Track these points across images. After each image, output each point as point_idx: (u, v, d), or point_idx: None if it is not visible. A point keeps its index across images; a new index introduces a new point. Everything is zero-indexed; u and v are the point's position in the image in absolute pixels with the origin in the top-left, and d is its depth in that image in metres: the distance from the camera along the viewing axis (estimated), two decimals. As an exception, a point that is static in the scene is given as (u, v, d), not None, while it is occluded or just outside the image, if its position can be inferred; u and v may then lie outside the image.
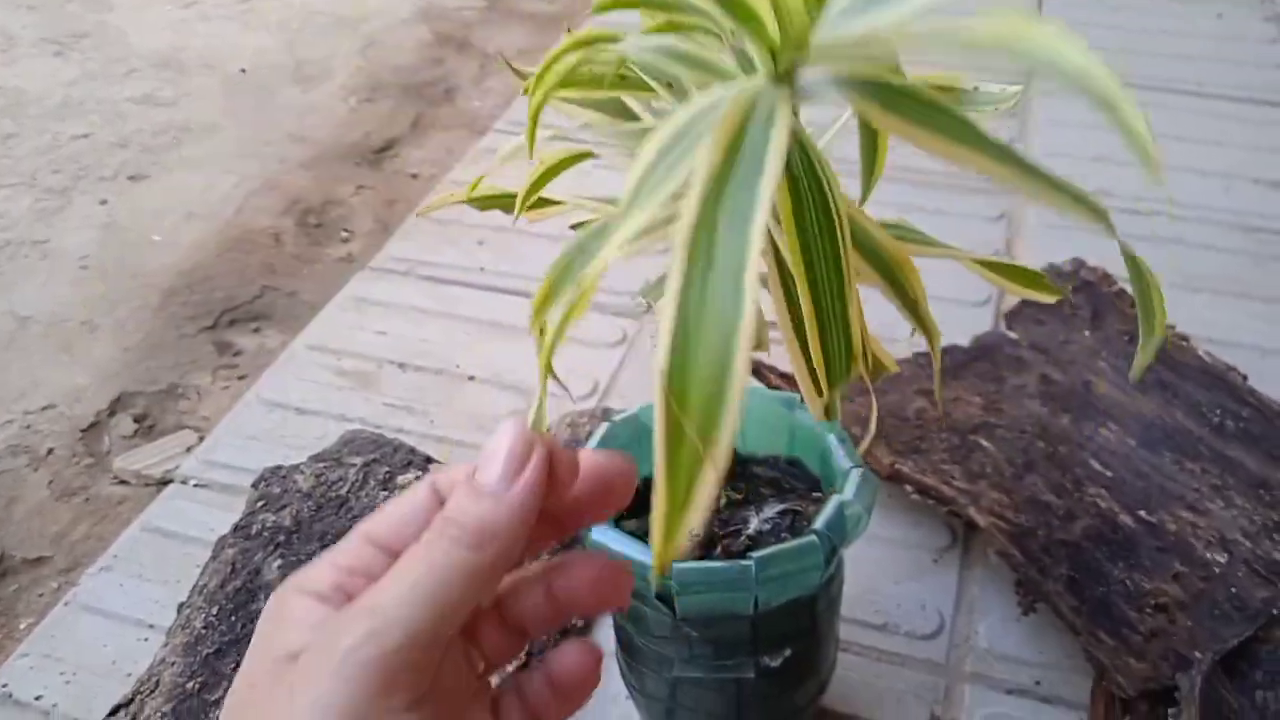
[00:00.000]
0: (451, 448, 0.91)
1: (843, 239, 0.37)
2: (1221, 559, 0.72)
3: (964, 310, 1.00)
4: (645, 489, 0.66)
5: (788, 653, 0.60)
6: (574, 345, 1.02)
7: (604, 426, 0.63)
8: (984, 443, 0.82)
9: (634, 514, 0.63)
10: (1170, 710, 0.62)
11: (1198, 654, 0.65)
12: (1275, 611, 0.68)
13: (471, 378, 0.99)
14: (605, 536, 0.56)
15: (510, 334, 1.04)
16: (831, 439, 0.61)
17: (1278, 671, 0.66)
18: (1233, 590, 0.70)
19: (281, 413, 0.97)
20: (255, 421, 0.97)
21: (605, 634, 0.75)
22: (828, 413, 0.63)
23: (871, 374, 0.53)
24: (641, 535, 0.63)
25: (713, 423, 0.26)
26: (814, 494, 0.64)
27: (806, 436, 0.63)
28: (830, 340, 0.34)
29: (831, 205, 0.37)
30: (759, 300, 0.27)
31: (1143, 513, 0.75)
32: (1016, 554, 0.72)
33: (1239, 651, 0.66)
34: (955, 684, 0.72)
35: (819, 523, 0.56)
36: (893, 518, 0.82)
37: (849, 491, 0.57)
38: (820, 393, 0.42)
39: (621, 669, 0.67)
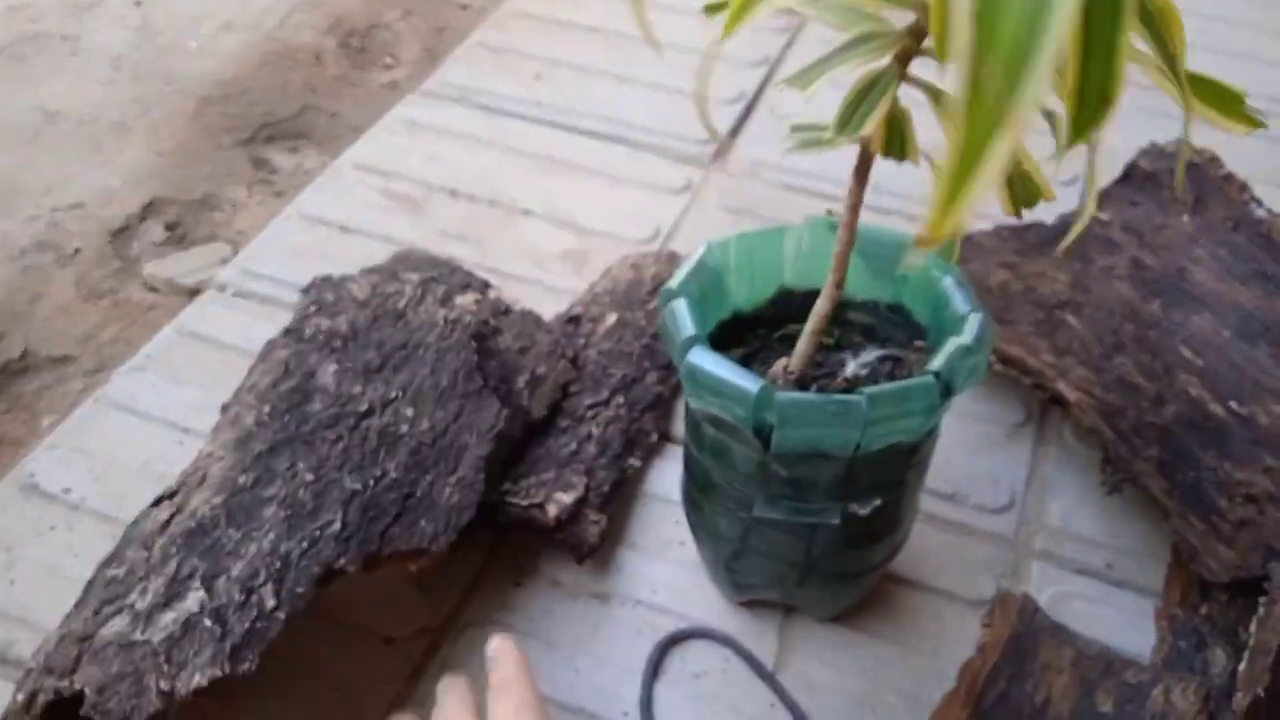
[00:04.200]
0: (506, 280, 0.87)
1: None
2: (1314, 457, 0.68)
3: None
4: (733, 324, 0.62)
5: (877, 502, 0.56)
6: (636, 189, 0.97)
7: (702, 249, 0.59)
8: (1071, 319, 0.78)
9: (726, 349, 0.60)
10: (1261, 599, 0.59)
11: (1287, 548, 0.62)
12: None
13: (527, 211, 0.94)
14: (704, 359, 0.52)
15: (569, 171, 0.98)
16: (949, 281, 0.57)
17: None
18: (1324, 489, 0.67)
19: (325, 230, 0.92)
20: (296, 236, 0.92)
21: (673, 469, 0.72)
22: (949, 250, 0.59)
23: (1023, 201, 0.48)
24: (744, 361, 0.59)
25: (1016, 75, 0.21)
26: (915, 343, 0.60)
27: (919, 280, 0.59)
28: (1091, 70, 0.29)
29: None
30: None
31: (1234, 404, 0.72)
32: (1107, 430, 0.68)
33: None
34: (1024, 560, 0.69)
35: (936, 363, 0.52)
36: (962, 393, 0.79)
37: (968, 335, 0.53)
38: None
39: (688, 507, 0.64)
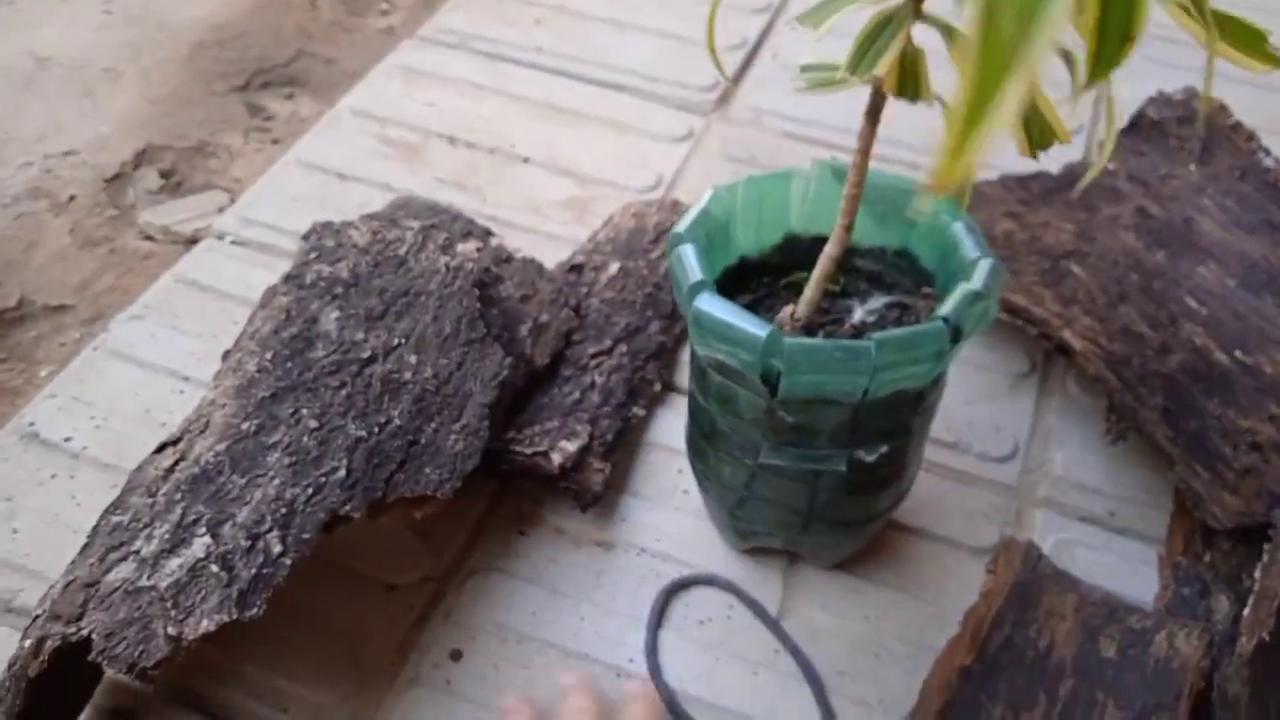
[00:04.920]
0: (505, 228, 0.86)
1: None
2: (1318, 407, 0.68)
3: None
4: (740, 271, 0.61)
5: (884, 449, 0.56)
6: (637, 136, 0.95)
7: (709, 194, 0.58)
8: (1075, 269, 0.77)
9: (732, 295, 0.59)
10: (1265, 545, 0.59)
11: (1290, 496, 0.63)
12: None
13: (526, 159, 0.93)
14: (712, 305, 0.51)
15: (569, 119, 0.97)
16: (958, 226, 0.56)
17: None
18: (1328, 438, 0.67)
19: (322, 176, 0.91)
20: (294, 183, 0.91)
21: (676, 418, 0.72)
22: (958, 194, 0.59)
23: (1039, 143, 0.48)
24: (750, 308, 0.58)
25: (1032, 11, 0.21)
26: (923, 289, 0.60)
27: (927, 225, 0.58)
28: (1113, 6, 0.29)
29: None
30: None
31: (1239, 353, 0.72)
32: (1112, 379, 0.68)
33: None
34: (1027, 507, 0.69)
35: (945, 309, 0.51)
36: (970, 339, 0.78)
37: (978, 281, 0.53)
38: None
39: (692, 455, 0.64)
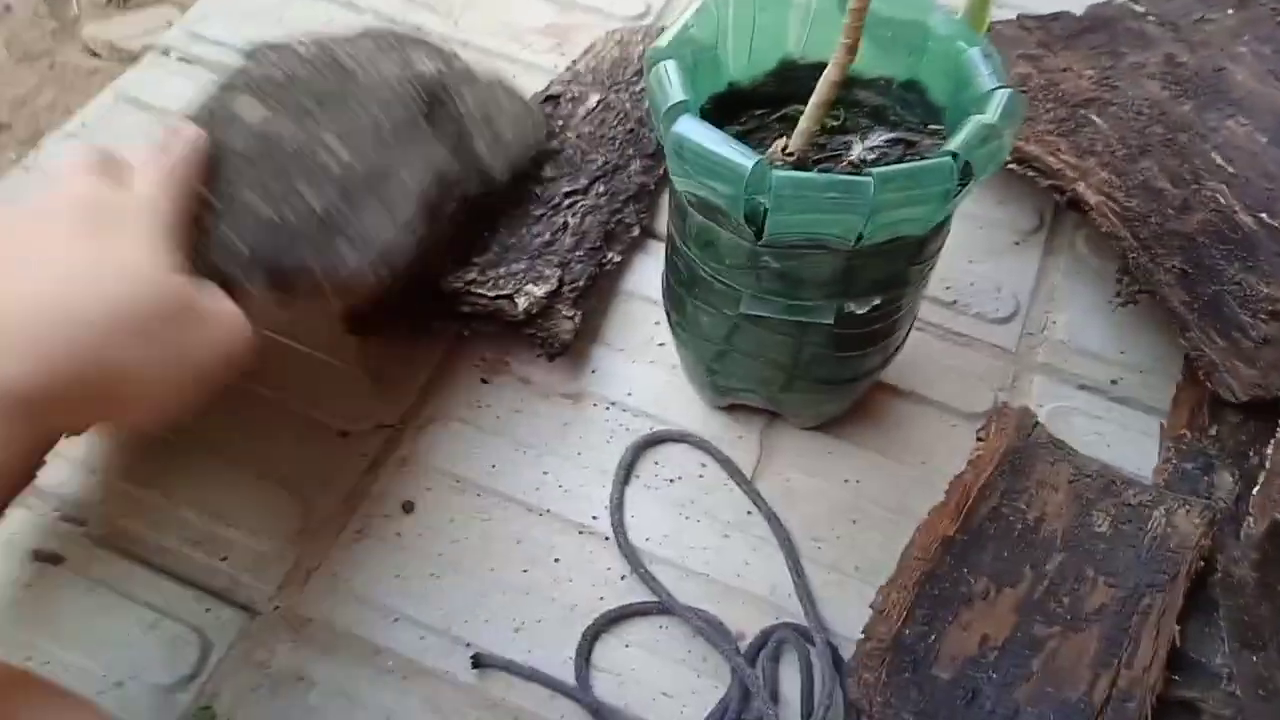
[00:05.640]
0: (478, 55, 0.79)
1: None
2: (1347, 276, 0.63)
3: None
4: (729, 99, 0.55)
5: (876, 301, 0.51)
6: (625, -41, 0.87)
7: (695, 5, 0.51)
8: (1095, 118, 0.71)
9: (727, 121, 0.53)
10: None
11: (1308, 369, 0.58)
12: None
13: (504, -22, 0.85)
14: (692, 129, 0.46)
15: (552, -63, 0.89)
16: (974, 53, 0.50)
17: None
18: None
19: (280, -9, 0.83)
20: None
21: (655, 265, 0.67)
22: (977, 17, 0.52)
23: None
24: (739, 137, 0.53)
25: None
26: (931, 125, 0.54)
27: (939, 52, 0.52)
28: None
29: None
30: None
31: (1265, 215, 0.66)
32: (1128, 237, 0.63)
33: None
34: (1024, 372, 0.65)
35: (955, 143, 0.46)
36: (976, 192, 0.73)
37: (992, 114, 0.47)
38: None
39: (668, 303, 0.59)
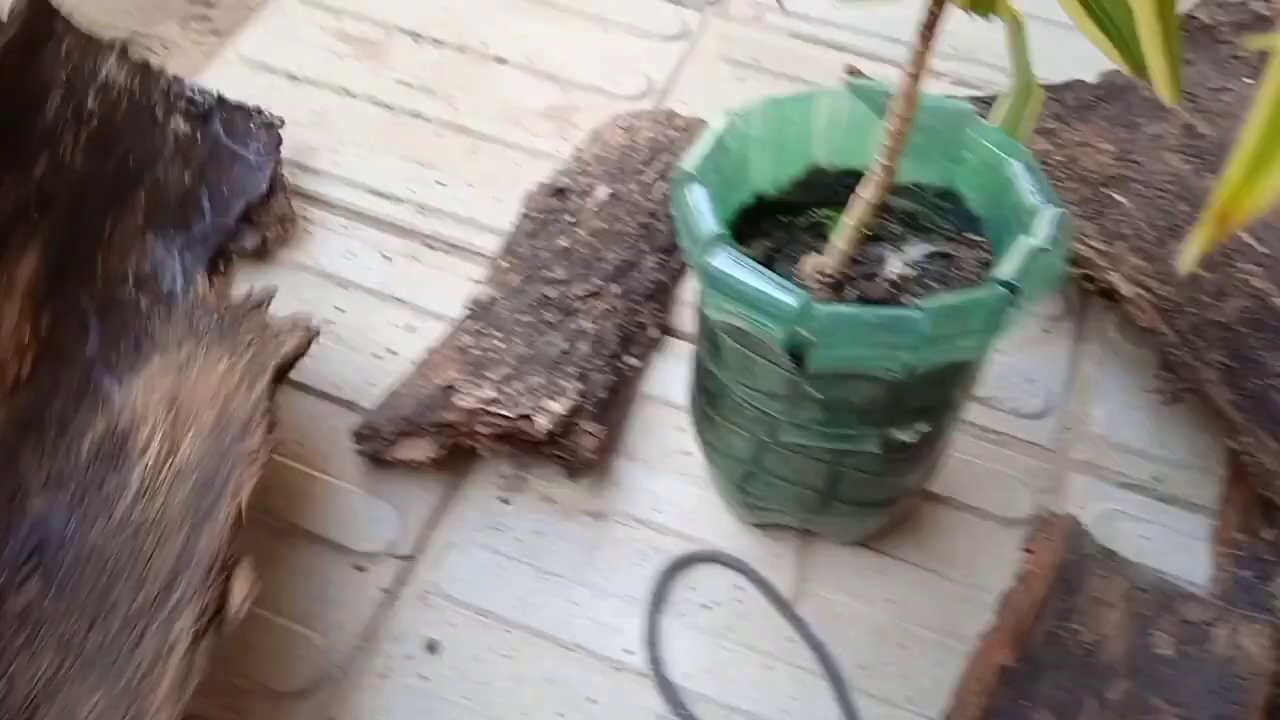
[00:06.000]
0: (479, 142, 0.76)
1: None
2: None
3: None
4: (755, 209, 0.53)
5: (922, 427, 0.49)
6: (625, 34, 0.85)
7: (722, 121, 0.49)
8: (1119, 198, 0.69)
9: (747, 239, 0.51)
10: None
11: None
12: None
13: (501, 59, 0.82)
14: (729, 264, 0.43)
15: (548, 10, 0.86)
16: (1017, 166, 0.47)
17: None
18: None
19: (270, 77, 0.81)
20: (239, 84, 0.80)
21: (675, 367, 0.64)
22: (1014, 125, 0.50)
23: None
24: (768, 255, 0.50)
25: None
26: (968, 235, 0.51)
27: (978, 161, 0.49)
28: None
29: None
30: None
31: (1302, 298, 0.64)
32: (1167, 331, 0.60)
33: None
34: (1063, 471, 0.62)
35: (1006, 271, 0.43)
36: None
37: (1041, 235, 0.44)
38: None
39: (697, 421, 0.56)
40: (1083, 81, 0.79)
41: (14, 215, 0.59)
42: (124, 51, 0.69)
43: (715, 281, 0.44)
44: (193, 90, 0.71)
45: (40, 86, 0.63)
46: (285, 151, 0.74)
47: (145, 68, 0.70)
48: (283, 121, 0.71)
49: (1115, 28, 0.37)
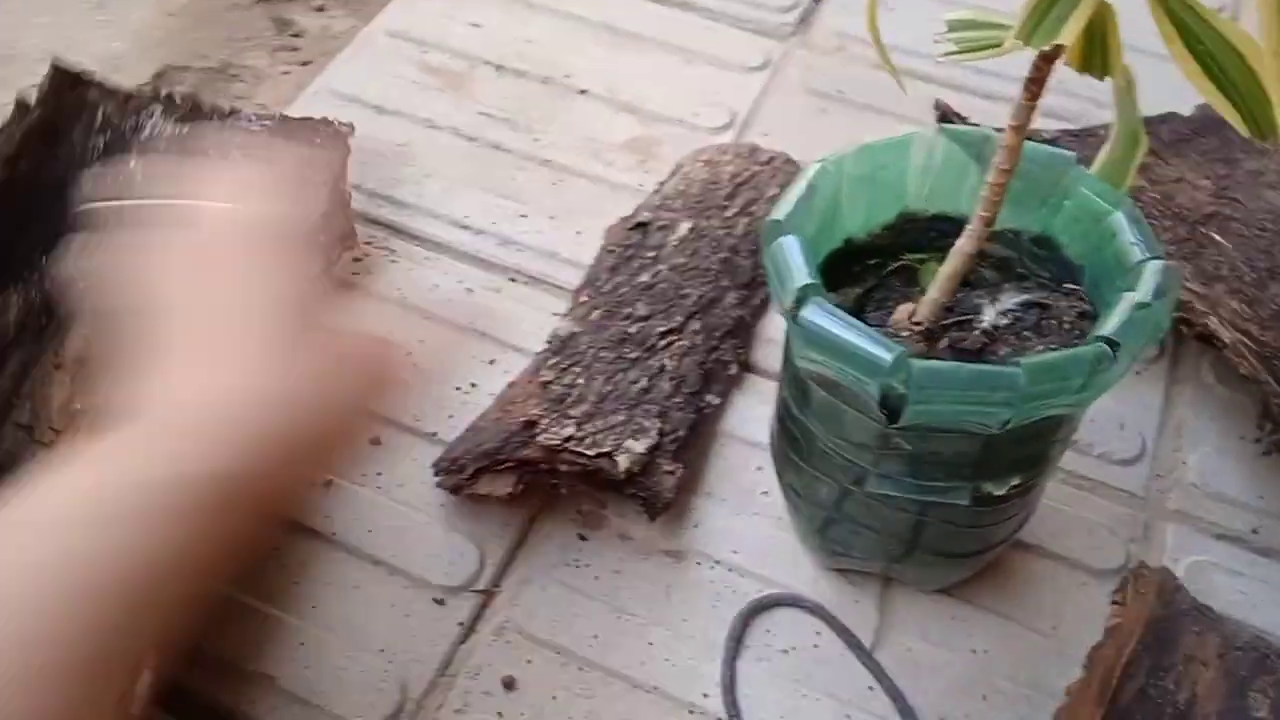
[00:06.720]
0: (560, 174, 0.77)
1: None
2: None
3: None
4: (844, 253, 0.52)
5: (1016, 482, 0.48)
6: (708, 65, 0.85)
7: (814, 168, 0.48)
8: (1217, 237, 0.67)
9: (836, 286, 0.50)
10: None
11: None
12: None
13: (584, 91, 0.83)
14: (823, 317, 0.42)
15: (632, 43, 0.87)
16: (1120, 217, 0.46)
17: None
18: None
19: (357, 109, 0.82)
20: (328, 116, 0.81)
21: (755, 405, 0.63)
22: (1118, 174, 0.49)
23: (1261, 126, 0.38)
24: (858, 303, 0.50)
25: None
26: (1064, 285, 0.50)
27: (1077, 209, 0.48)
28: None
29: None
30: None
31: None
32: (1269, 380, 0.59)
33: None
34: (1156, 521, 0.61)
35: (1109, 327, 0.42)
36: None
37: (1145, 290, 0.43)
38: None
39: (780, 466, 0.56)
40: (1177, 114, 0.77)
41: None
42: (170, 99, 0.71)
43: (808, 334, 0.43)
44: (250, 118, 0.72)
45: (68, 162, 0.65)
46: (370, 183, 0.75)
47: (195, 107, 0.72)
48: (352, 128, 0.72)
49: (1236, 90, 0.36)
